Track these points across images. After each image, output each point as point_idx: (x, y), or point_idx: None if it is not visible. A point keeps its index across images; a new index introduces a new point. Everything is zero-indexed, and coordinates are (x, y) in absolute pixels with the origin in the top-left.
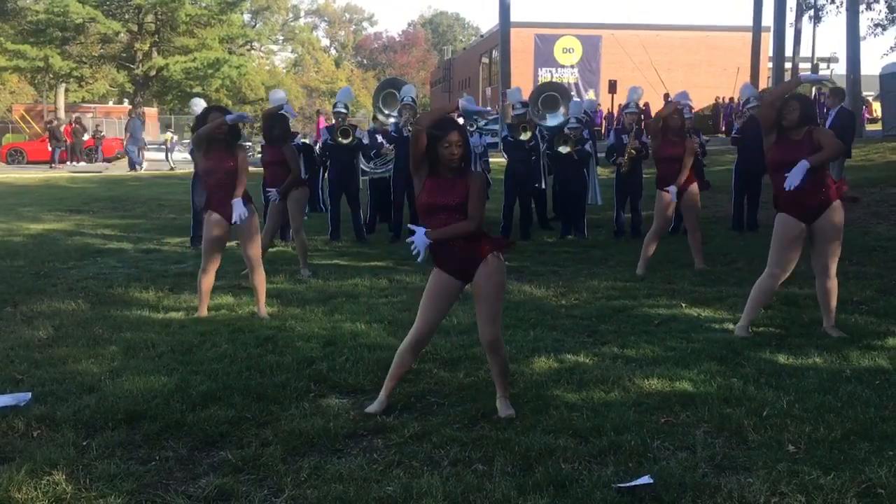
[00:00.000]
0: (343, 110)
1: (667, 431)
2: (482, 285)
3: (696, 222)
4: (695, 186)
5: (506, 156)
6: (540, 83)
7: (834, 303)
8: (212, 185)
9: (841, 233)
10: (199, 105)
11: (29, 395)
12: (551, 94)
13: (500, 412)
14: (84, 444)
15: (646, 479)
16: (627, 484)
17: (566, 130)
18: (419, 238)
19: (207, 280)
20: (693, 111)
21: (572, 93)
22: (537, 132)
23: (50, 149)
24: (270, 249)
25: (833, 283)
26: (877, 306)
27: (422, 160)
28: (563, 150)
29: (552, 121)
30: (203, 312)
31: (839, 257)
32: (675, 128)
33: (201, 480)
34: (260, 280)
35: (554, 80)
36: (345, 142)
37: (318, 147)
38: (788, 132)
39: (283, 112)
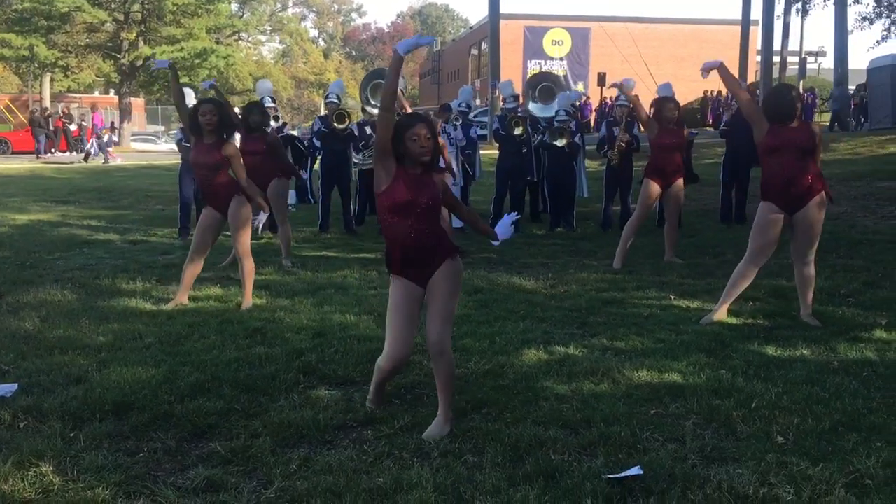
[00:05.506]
0: (336, 101)
1: (656, 423)
2: (440, 283)
3: (676, 216)
4: (680, 181)
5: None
6: (537, 72)
7: (811, 291)
8: (199, 179)
9: (821, 223)
10: (188, 96)
11: (15, 385)
12: (547, 85)
13: (431, 432)
14: (71, 435)
15: (635, 470)
16: (617, 475)
17: (556, 123)
18: (508, 227)
19: (194, 268)
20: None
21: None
22: (528, 125)
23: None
24: (258, 241)
25: (811, 271)
26: (863, 299)
27: (388, 149)
28: (560, 143)
29: (545, 112)
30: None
31: (816, 248)
32: (673, 118)
33: (190, 472)
34: (248, 271)
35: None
36: (340, 126)
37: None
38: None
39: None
